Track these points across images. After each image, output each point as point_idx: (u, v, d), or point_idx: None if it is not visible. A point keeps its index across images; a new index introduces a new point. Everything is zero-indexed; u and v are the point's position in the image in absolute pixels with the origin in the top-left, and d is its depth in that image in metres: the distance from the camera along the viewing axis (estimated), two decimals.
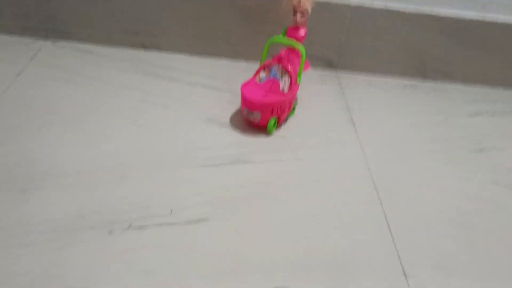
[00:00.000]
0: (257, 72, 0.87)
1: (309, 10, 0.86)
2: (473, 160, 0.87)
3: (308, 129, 0.90)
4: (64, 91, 0.90)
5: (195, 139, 0.83)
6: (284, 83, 0.84)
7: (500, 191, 0.80)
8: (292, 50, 0.88)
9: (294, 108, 0.92)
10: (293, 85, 0.85)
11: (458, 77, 1.12)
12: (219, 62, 1.07)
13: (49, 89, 0.90)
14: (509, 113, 1.04)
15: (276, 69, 0.85)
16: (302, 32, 0.88)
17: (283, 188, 0.75)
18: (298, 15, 0.86)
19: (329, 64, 1.10)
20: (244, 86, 0.84)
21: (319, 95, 1.01)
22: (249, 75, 0.93)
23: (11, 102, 0.85)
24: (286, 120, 0.91)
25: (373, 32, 1.06)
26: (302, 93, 0.97)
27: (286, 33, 0.89)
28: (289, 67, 0.84)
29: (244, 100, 0.83)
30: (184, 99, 0.93)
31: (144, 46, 1.08)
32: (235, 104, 0.93)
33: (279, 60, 0.86)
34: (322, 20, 1.02)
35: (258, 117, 0.83)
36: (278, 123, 0.87)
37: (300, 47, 0.85)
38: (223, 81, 1.01)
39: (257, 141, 0.85)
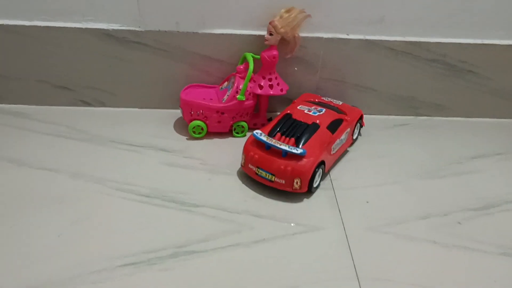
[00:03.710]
0: (224, 81, 0.88)
1: (283, 31, 0.80)
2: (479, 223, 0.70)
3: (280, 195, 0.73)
4: None
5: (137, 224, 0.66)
6: (227, 95, 0.83)
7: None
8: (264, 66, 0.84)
9: (245, 129, 0.87)
10: (230, 99, 0.82)
11: (452, 110, 0.96)
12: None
13: None
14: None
15: (232, 80, 0.85)
16: (270, 52, 0.82)
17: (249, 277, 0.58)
18: (266, 34, 0.81)
19: None
20: (194, 86, 0.88)
21: None
22: None
23: None
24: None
25: (350, 67, 0.90)
26: None
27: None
28: (236, 82, 0.82)
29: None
30: (126, 171, 0.77)
31: (84, 103, 0.92)
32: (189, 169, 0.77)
33: (239, 72, 0.84)
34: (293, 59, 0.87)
35: (181, 113, 0.85)
36: (209, 131, 0.85)
37: (250, 60, 0.81)
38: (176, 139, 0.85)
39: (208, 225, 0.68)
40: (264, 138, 0.72)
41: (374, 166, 0.81)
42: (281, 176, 0.70)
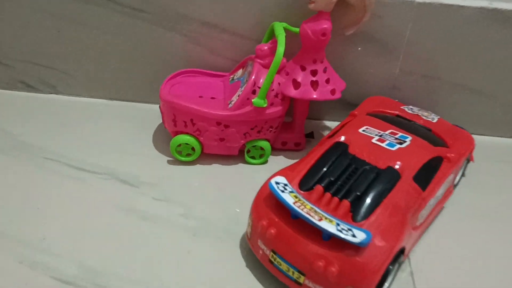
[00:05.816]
0: (238, 67, 0.54)
1: None
2: None
3: None
4: None
5: None
6: (237, 95, 0.49)
7: None
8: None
9: (266, 152, 0.52)
10: (241, 102, 0.48)
11: None
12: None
13: None
14: None
15: (248, 69, 0.51)
16: (317, 23, 0.46)
17: None
18: None
19: None
20: (190, 73, 0.54)
21: None
22: None
23: None
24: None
25: (455, 52, 0.52)
26: None
27: None
28: (254, 72, 0.48)
29: None
30: (50, 221, 0.45)
31: (27, 86, 0.61)
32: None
33: (260, 56, 0.49)
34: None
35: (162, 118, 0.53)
36: (205, 152, 0.51)
37: (280, 36, 0.46)
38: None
39: None
40: (288, 197, 0.37)
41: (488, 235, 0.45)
42: (317, 280, 0.35)
